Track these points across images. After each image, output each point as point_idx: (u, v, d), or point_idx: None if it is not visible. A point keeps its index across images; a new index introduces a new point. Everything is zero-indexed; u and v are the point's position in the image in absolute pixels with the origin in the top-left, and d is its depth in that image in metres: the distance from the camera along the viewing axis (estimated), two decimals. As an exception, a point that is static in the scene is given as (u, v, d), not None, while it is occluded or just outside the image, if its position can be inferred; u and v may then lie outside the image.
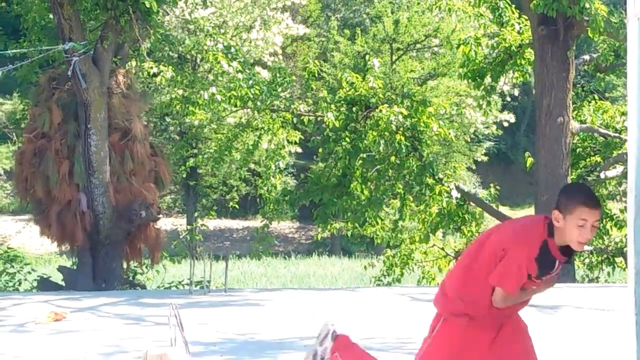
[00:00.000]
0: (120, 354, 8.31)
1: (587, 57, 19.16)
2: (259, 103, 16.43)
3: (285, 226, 42.43)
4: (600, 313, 10.94)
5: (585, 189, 4.76)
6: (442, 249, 18.64)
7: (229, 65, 16.23)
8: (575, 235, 4.59)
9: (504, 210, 24.94)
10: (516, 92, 33.23)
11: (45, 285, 15.84)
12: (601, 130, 17.67)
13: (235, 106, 16.83)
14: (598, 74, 19.55)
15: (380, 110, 16.60)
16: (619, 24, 15.55)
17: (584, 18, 15.71)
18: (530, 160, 17.37)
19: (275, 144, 17.22)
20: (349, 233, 18.36)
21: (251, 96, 16.26)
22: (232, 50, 16.91)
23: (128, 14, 14.90)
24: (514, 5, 17.65)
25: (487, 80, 18.17)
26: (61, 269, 16.04)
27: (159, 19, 17.53)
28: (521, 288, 4.80)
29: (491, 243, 4.78)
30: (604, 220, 17.84)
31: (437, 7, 18.02)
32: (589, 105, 18.66)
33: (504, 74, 18.45)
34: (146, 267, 17.35)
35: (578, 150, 17.89)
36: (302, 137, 18.40)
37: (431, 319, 4.89)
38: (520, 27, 17.48)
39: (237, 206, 21.00)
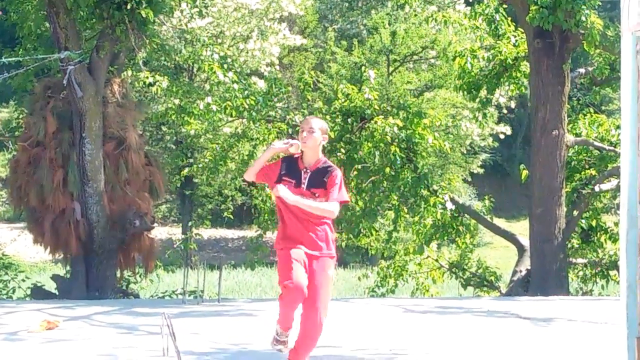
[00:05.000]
0: (112, 363, 8.30)
1: (582, 70, 19.19)
2: (254, 113, 16.44)
3: (280, 236, 42.29)
4: (593, 326, 10.94)
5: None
6: (437, 260, 18.63)
7: (225, 76, 16.24)
8: (300, 139, 6.92)
9: (500, 222, 24.87)
10: (513, 105, 33.25)
11: (38, 293, 15.81)
12: (596, 143, 17.69)
13: (231, 116, 16.84)
14: (594, 87, 19.58)
15: (376, 122, 16.63)
16: (615, 38, 15.56)
17: (579, 31, 15.74)
18: (525, 173, 17.38)
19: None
20: (344, 244, 18.37)
21: (247, 106, 16.29)
22: (228, 60, 16.93)
23: (124, 24, 14.90)
24: (510, 18, 17.68)
25: (483, 92, 18.20)
26: (55, 277, 16.02)
27: (155, 29, 17.53)
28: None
29: None
30: (598, 233, 17.86)
31: (434, 20, 18.07)
32: (585, 119, 18.68)
33: (500, 87, 18.48)
34: (140, 276, 17.35)
35: (573, 163, 17.89)
36: (297, 148, 18.39)
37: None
38: (516, 40, 17.53)
39: (231, 216, 20.98)
